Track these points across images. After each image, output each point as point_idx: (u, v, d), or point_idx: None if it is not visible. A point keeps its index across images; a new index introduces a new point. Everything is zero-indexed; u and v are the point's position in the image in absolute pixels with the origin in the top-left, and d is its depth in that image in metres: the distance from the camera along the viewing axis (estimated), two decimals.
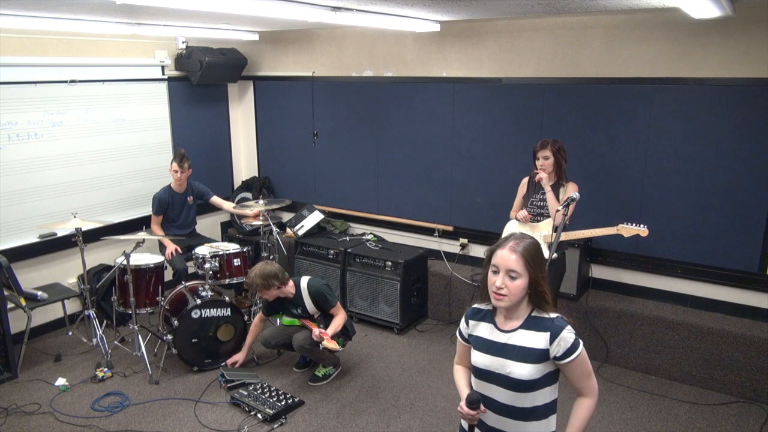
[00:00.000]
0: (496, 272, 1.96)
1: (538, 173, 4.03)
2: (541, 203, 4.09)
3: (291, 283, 4.16)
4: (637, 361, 4.38)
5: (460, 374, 2.23)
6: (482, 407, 2.01)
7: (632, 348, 4.38)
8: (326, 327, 4.08)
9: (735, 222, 4.10)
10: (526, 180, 4.26)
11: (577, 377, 2.05)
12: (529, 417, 2.02)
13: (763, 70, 3.83)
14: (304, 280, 4.21)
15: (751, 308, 4.18)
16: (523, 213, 4.12)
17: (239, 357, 4.36)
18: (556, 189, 4.03)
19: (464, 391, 2.12)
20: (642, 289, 4.56)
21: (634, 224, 3.73)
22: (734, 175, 4.03)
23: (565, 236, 3.90)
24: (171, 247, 4.83)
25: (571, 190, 3.92)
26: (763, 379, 3.93)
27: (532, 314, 2.00)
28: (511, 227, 4.24)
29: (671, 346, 4.23)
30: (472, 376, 2.14)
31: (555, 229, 3.91)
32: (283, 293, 4.12)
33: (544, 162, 4.01)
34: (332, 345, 3.97)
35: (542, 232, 4.03)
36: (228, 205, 5.45)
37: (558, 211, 3.60)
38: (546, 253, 3.87)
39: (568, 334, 1.96)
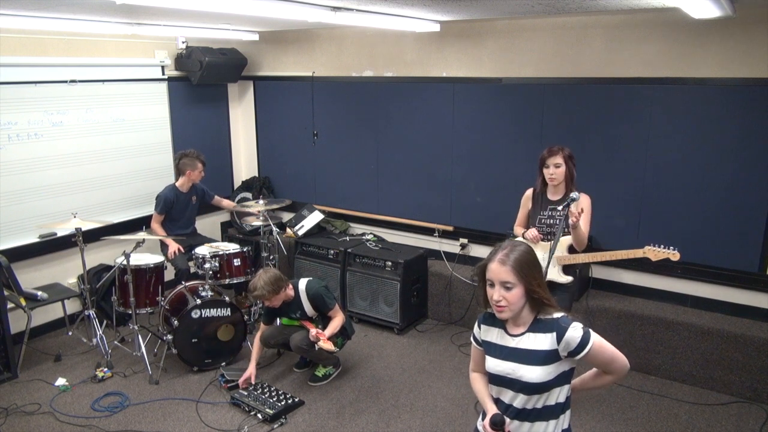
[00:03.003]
0: (492, 286, 1.97)
1: (573, 214, 3.42)
2: (550, 221, 3.68)
3: (290, 285, 4.17)
4: (637, 361, 4.37)
5: (479, 383, 2.23)
6: (506, 427, 2.02)
7: (632, 348, 4.38)
8: (324, 327, 4.08)
9: (735, 222, 4.10)
10: (530, 193, 3.82)
11: (599, 365, 2.06)
12: (544, 417, 2.03)
13: (763, 70, 3.83)
14: (303, 282, 4.20)
15: (751, 308, 4.18)
16: (533, 233, 3.65)
17: (250, 372, 4.13)
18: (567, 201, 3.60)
19: (488, 404, 2.13)
20: (642, 289, 4.56)
21: (662, 246, 3.42)
22: (734, 175, 4.03)
23: (588, 258, 3.62)
24: (174, 246, 4.83)
25: (584, 202, 3.56)
26: (763, 379, 3.93)
27: (538, 317, 2.01)
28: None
29: (671, 346, 4.23)
30: (489, 383, 2.15)
31: (569, 249, 3.64)
32: (286, 296, 4.12)
33: (556, 170, 3.56)
34: (328, 346, 3.95)
35: (556, 253, 3.57)
36: (228, 203, 5.52)
37: (557, 210, 3.57)
38: (562, 279, 3.62)
39: (573, 333, 1.94)
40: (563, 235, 3.58)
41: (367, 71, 5.54)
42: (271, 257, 5.10)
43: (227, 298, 4.45)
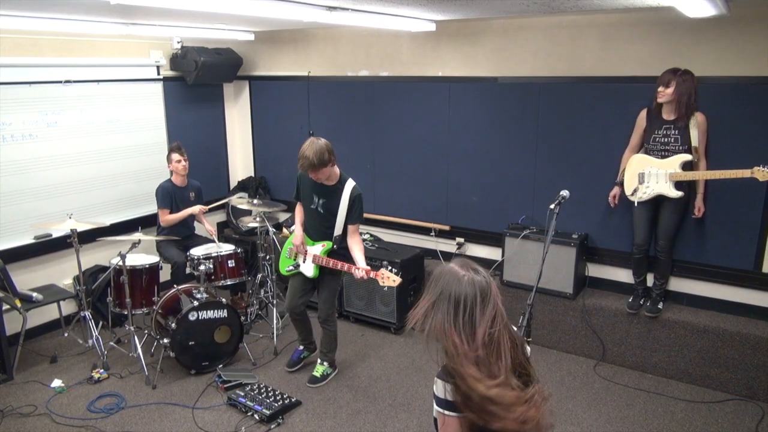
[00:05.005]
0: None
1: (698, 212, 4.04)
2: (665, 139, 3.96)
3: (337, 168, 3.91)
4: (633, 360, 4.39)
5: None
6: None
7: (628, 346, 4.39)
8: (335, 253, 3.96)
9: (730, 220, 4.11)
10: (644, 113, 4.08)
11: None
12: None
13: (758, 68, 3.85)
14: (352, 181, 3.95)
15: (747, 306, 4.19)
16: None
17: (299, 237, 4.10)
18: (683, 124, 3.90)
19: None
20: None
21: None
22: None
23: (697, 175, 3.91)
24: (196, 208, 5.01)
25: (701, 120, 3.87)
26: (759, 376, 3.95)
27: None
28: (635, 162, 4.12)
29: (667, 344, 4.24)
30: None
31: (682, 167, 3.89)
32: (330, 175, 3.86)
33: (665, 90, 3.85)
34: (389, 282, 3.65)
35: (668, 169, 3.93)
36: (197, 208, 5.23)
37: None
38: (673, 193, 3.92)
39: (435, 387, 1.68)
40: (678, 153, 3.92)
41: (363, 71, 5.54)
42: (268, 257, 5.09)
43: (224, 300, 4.43)
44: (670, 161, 3.96)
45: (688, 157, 3.91)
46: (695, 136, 3.90)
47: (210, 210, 5.29)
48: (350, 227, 3.97)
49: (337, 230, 3.98)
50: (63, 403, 3.98)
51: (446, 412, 1.65)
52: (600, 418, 3.81)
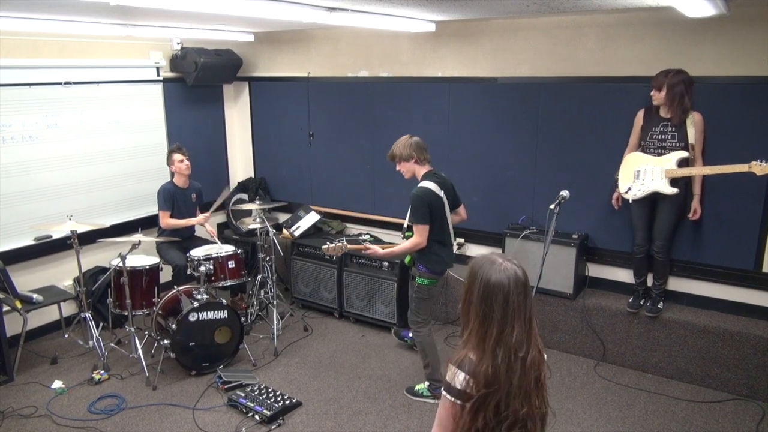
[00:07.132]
0: None
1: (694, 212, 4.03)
2: (662, 136, 3.97)
3: (424, 170, 3.91)
4: (633, 360, 4.39)
5: None
6: None
7: (629, 346, 4.39)
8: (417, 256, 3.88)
9: (730, 219, 4.11)
10: (641, 113, 4.10)
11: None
12: None
13: (758, 68, 3.85)
14: (424, 182, 3.85)
15: (747, 306, 4.19)
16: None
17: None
18: (682, 125, 3.92)
19: None
20: None
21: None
22: (731, 175, 4.01)
23: (693, 171, 3.90)
24: (202, 218, 5.00)
25: (698, 119, 3.89)
26: (760, 376, 3.95)
27: None
28: (631, 160, 4.12)
29: (668, 344, 4.24)
30: None
31: (678, 163, 3.87)
32: (411, 172, 3.98)
33: (656, 93, 3.91)
34: (354, 247, 4.01)
35: (664, 166, 3.94)
36: (200, 219, 5.21)
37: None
38: (668, 190, 3.90)
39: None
40: (675, 150, 3.92)
41: (363, 71, 5.54)
42: (268, 258, 5.09)
43: (224, 301, 4.43)
44: (666, 158, 3.96)
45: (684, 153, 3.91)
46: (692, 134, 3.90)
47: (212, 212, 5.25)
48: (414, 228, 3.83)
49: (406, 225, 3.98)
50: (63, 404, 3.99)
51: (450, 397, 1.74)
52: (600, 418, 3.81)
